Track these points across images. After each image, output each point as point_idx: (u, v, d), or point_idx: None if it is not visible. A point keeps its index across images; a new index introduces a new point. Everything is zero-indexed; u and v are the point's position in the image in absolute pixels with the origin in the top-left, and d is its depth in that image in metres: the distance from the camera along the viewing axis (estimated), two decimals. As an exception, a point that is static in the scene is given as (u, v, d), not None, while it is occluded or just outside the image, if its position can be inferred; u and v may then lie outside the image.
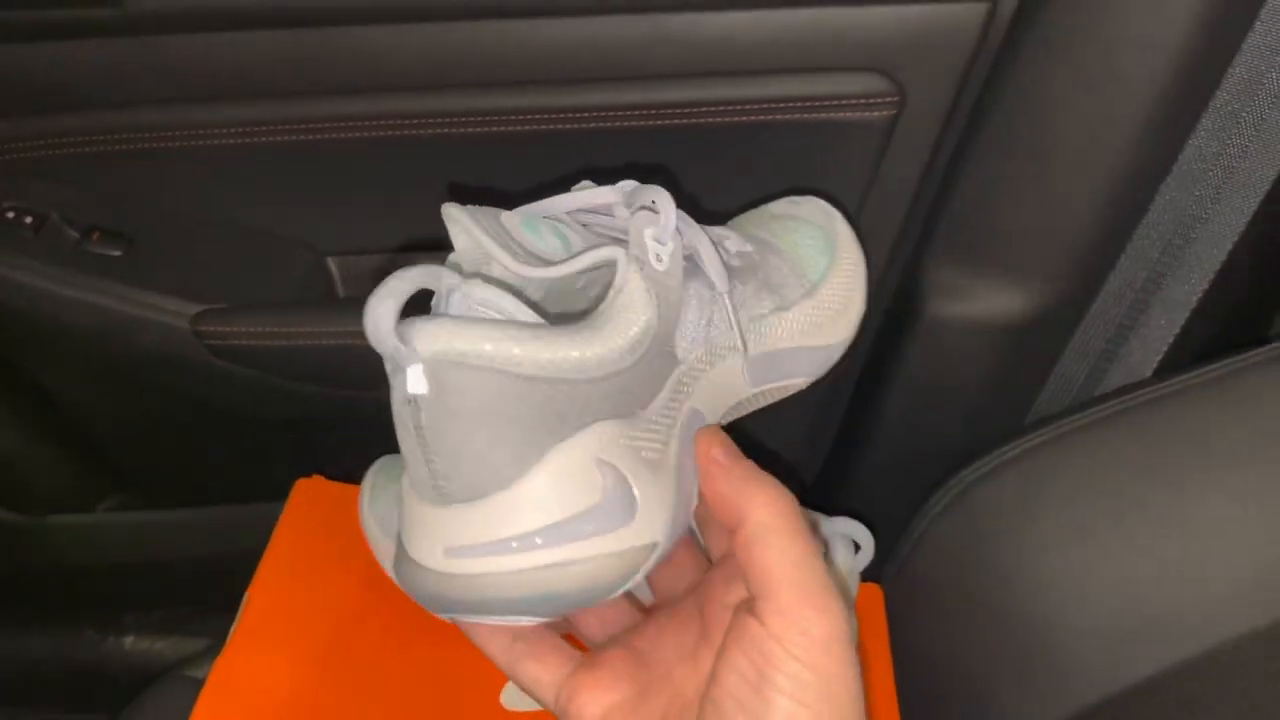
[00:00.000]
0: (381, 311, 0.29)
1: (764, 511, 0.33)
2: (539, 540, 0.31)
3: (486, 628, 0.36)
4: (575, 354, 0.31)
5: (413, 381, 0.30)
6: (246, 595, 0.55)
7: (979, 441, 0.62)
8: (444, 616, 0.33)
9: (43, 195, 0.70)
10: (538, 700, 0.37)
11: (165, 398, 0.76)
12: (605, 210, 0.38)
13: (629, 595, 0.39)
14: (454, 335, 0.29)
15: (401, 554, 0.33)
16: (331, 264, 0.74)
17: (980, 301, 0.65)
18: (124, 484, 0.85)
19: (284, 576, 0.56)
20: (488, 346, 0.29)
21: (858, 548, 0.54)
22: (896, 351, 0.69)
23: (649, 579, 0.40)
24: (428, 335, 0.29)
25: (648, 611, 0.40)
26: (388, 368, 0.31)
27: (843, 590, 0.34)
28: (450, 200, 0.38)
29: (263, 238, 0.73)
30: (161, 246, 0.70)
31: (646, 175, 0.67)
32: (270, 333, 0.68)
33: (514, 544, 0.31)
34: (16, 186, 0.70)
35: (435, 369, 0.29)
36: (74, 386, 0.78)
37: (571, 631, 0.40)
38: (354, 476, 0.60)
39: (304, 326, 0.68)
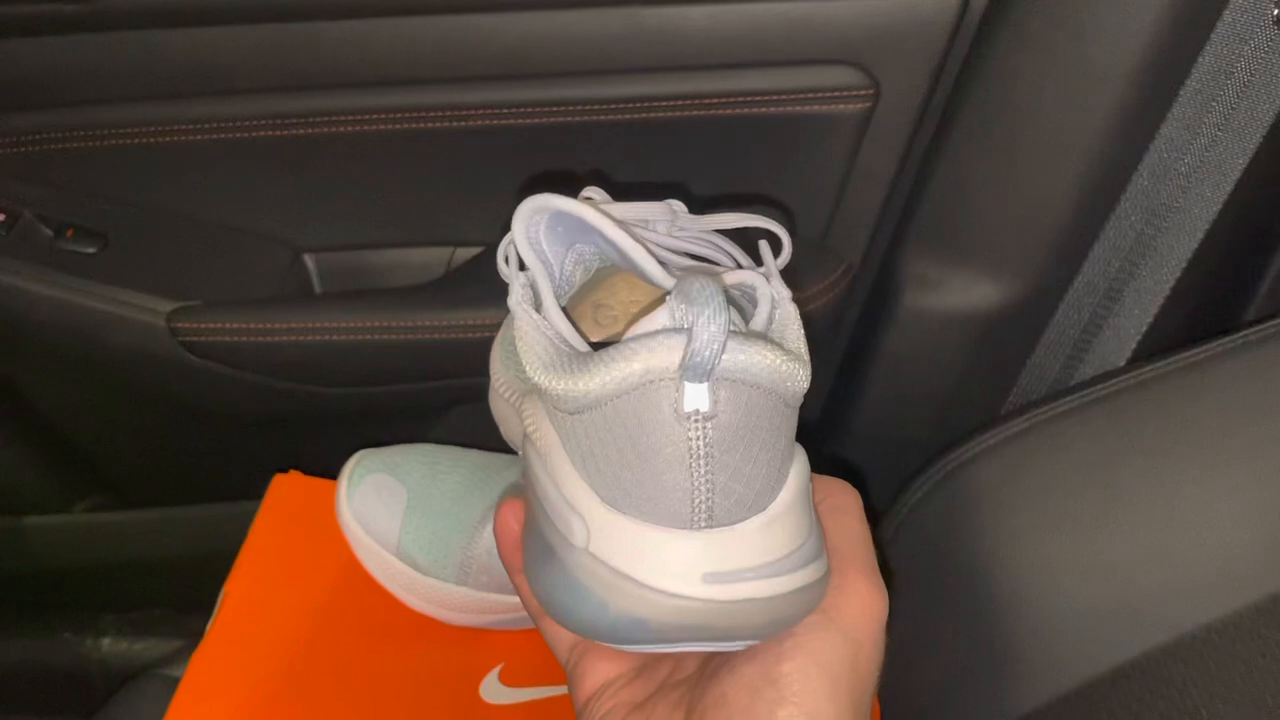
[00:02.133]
0: (720, 326, 0.28)
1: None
2: (790, 564, 0.30)
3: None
4: (805, 379, 0.30)
5: (699, 398, 0.28)
6: (223, 591, 0.54)
7: (957, 431, 0.62)
8: (649, 648, 0.31)
9: (16, 193, 0.69)
10: (555, 653, 0.37)
11: (141, 396, 0.75)
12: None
13: None
14: (760, 354, 0.28)
15: (610, 581, 0.30)
16: (308, 260, 0.74)
17: (956, 293, 0.65)
18: (100, 484, 0.84)
19: (261, 572, 0.55)
20: (784, 368, 0.28)
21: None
22: (875, 342, 0.70)
23: None
24: (744, 353, 0.28)
25: None
26: (647, 376, 0.28)
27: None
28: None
29: (238, 235, 0.73)
30: (136, 244, 0.70)
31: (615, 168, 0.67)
32: (246, 329, 0.67)
33: (774, 568, 0.30)
34: (-9, 185, 0.69)
35: (735, 389, 0.28)
36: (49, 385, 0.77)
37: None
38: (331, 472, 0.60)
39: (280, 322, 0.68)
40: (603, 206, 0.37)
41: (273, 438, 0.76)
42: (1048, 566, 0.56)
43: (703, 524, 0.29)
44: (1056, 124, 0.58)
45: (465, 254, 0.73)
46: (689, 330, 0.27)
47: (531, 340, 0.32)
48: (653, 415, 0.28)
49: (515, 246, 0.35)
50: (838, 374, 0.76)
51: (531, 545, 0.32)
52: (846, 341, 0.74)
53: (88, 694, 0.92)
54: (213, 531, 0.84)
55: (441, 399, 0.73)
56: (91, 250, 0.69)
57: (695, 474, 0.28)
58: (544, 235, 0.37)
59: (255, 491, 0.63)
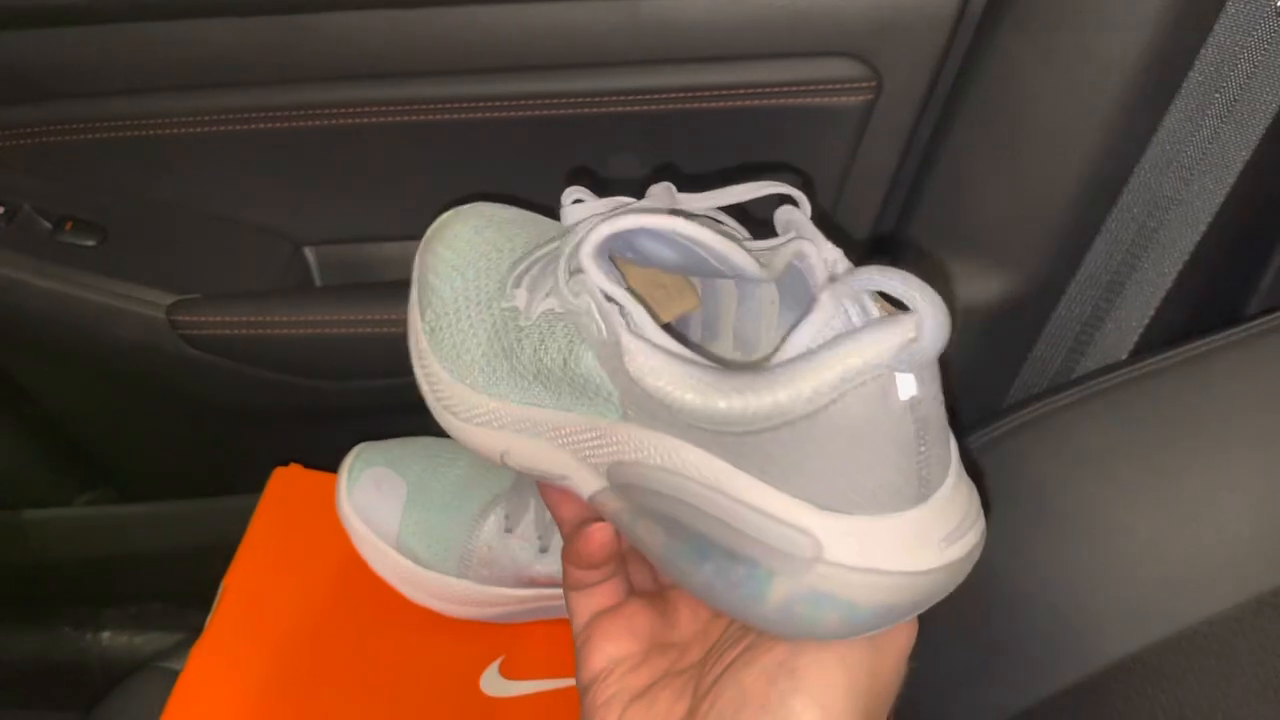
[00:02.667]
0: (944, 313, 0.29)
1: None
2: (979, 505, 0.33)
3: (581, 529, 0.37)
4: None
5: (910, 385, 0.29)
6: (223, 584, 0.54)
7: (955, 426, 0.62)
8: (874, 630, 0.32)
9: (15, 186, 0.69)
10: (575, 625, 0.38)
11: (141, 389, 0.75)
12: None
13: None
14: (946, 328, 0.29)
15: (858, 581, 0.30)
16: (308, 254, 0.74)
17: (958, 286, 0.65)
18: (101, 478, 0.84)
19: (261, 566, 0.55)
20: (948, 334, 0.29)
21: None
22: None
23: None
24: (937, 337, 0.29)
25: None
26: (849, 377, 0.29)
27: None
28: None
29: (238, 228, 0.72)
30: (136, 236, 0.70)
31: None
32: (247, 322, 0.67)
33: (976, 512, 0.32)
34: (-11, 177, 0.69)
35: (931, 365, 0.29)
36: (48, 378, 0.77)
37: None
38: (332, 466, 0.60)
39: (281, 315, 0.67)
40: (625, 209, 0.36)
41: (273, 431, 0.76)
42: (1047, 560, 0.56)
43: (924, 496, 0.30)
44: (1059, 116, 0.57)
45: (465, 247, 0.73)
46: (918, 322, 0.28)
47: (670, 369, 0.31)
48: (879, 410, 0.29)
49: (591, 275, 0.33)
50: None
51: (713, 576, 0.32)
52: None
53: (88, 688, 0.91)
54: (213, 525, 0.84)
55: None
56: (91, 243, 0.69)
57: (918, 454, 0.30)
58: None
59: (256, 485, 0.63)
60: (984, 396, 0.69)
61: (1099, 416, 0.56)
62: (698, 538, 0.32)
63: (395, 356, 0.70)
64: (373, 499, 0.54)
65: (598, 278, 0.33)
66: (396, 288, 0.71)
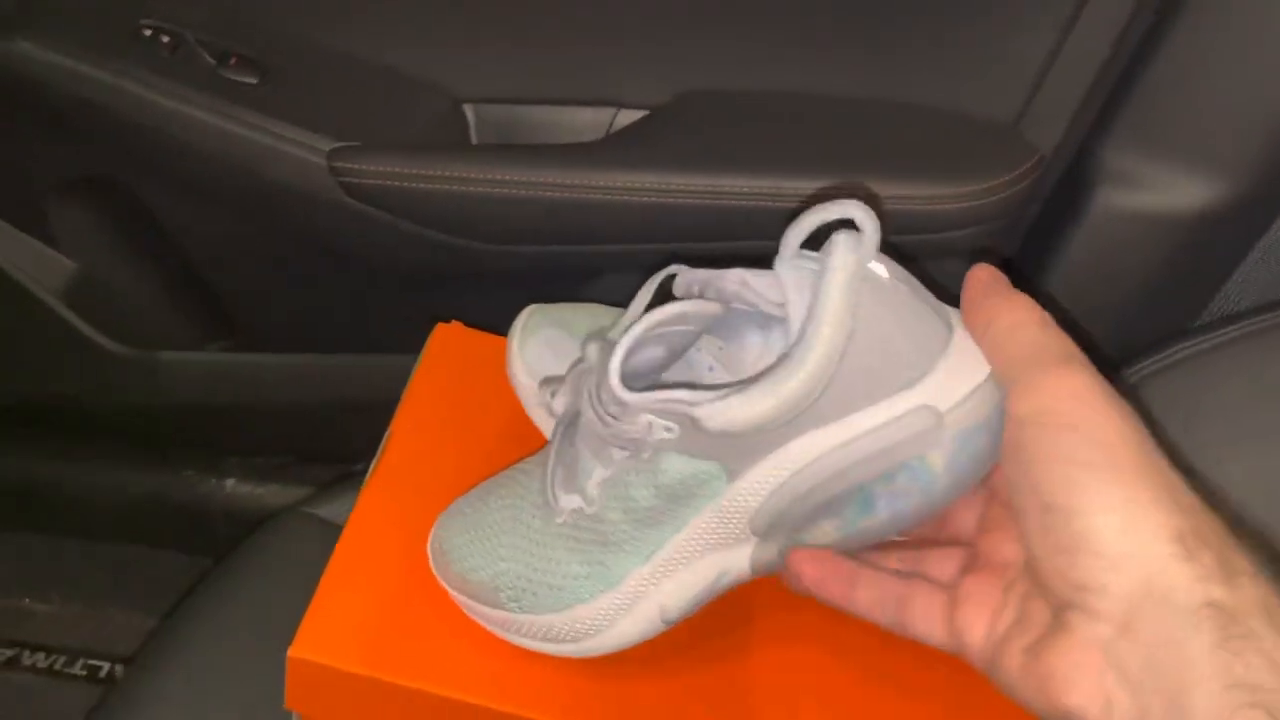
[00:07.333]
0: None
1: (1009, 315, 0.35)
2: None
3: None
4: None
5: (881, 268, 0.35)
6: (389, 432, 0.54)
7: (1131, 348, 0.59)
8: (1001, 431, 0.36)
9: (180, 16, 0.68)
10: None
11: (292, 237, 0.74)
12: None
13: None
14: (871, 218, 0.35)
15: (967, 408, 0.36)
16: (467, 111, 0.71)
17: (1161, 192, 0.61)
18: (237, 325, 0.84)
19: (424, 418, 0.54)
20: None
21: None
22: (1056, 243, 0.66)
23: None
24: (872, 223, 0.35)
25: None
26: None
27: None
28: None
29: (398, 78, 0.70)
30: (297, 79, 0.68)
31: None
32: (408, 174, 0.65)
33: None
34: (155, 5, 0.67)
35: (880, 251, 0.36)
36: (196, 219, 0.76)
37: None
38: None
39: (440, 170, 0.66)
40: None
41: (422, 294, 0.75)
42: (1230, 485, 0.53)
43: (950, 326, 0.37)
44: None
45: (628, 116, 0.70)
46: (855, 226, 0.35)
47: (745, 401, 0.35)
48: (884, 296, 0.36)
49: (636, 401, 0.36)
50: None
51: (891, 506, 0.37)
52: (1020, 241, 0.69)
53: (209, 533, 0.93)
54: (343, 383, 0.84)
55: (598, 264, 0.71)
56: (253, 81, 0.67)
57: (928, 303, 0.37)
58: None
59: (393, 346, 0.62)
60: (1176, 313, 0.65)
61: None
62: (852, 495, 0.37)
63: (550, 222, 0.69)
64: (546, 361, 0.52)
65: (642, 399, 0.36)
66: (557, 150, 0.68)
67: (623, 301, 0.56)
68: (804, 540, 0.39)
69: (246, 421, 0.89)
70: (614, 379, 0.37)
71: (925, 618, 0.37)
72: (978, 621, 0.35)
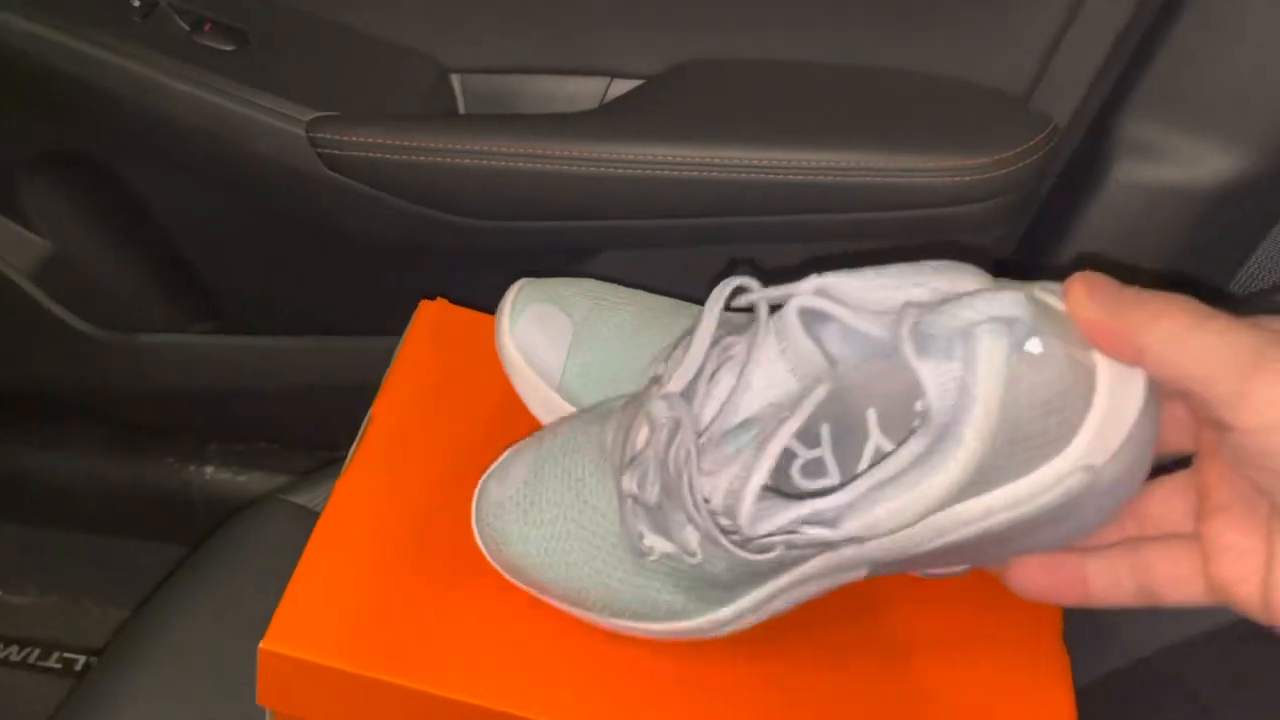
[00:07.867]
0: None
1: (1161, 326, 0.31)
2: None
3: None
4: None
5: (1035, 345, 0.32)
6: (370, 414, 0.51)
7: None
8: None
9: (150, -21, 0.65)
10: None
11: (270, 211, 0.71)
12: None
13: None
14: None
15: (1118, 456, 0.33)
16: (454, 81, 0.68)
17: (1181, 165, 0.58)
18: (218, 309, 0.81)
19: (408, 399, 0.52)
20: None
21: None
22: (1070, 218, 0.63)
23: None
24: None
25: None
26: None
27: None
28: None
29: (382, 47, 0.67)
30: (276, 47, 0.66)
31: None
32: (390, 145, 0.62)
33: None
34: (124, -33, 0.65)
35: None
36: (171, 193, 0.73)
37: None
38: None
39: (425, 141, 0.63)
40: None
41: (407, 271, 0.72)
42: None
43: (1093, 386, 0.34)
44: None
45: (622, 86, 0.67)
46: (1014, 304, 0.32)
47: (888, 496, 0.33)
48: (1038, 368, 0.33)
49: (781, 517, 0.34)
50: (1016, 251, 0.69)
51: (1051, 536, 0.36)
52: (1033, 216, 0.67)
53: (188, 520, 0.91)
54: (327, 366, 0.81)
55: (590, 240, 0.68)
56: (230, 48, 0.64)
57: (1077, 365, 0.33)
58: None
59: (380, 328, 0.59)
60: (1195, 291, 0.62)
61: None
62: (994, 547, 0.36)
63: (541, 196, 0.66)
64: (537, 337, 0.50)
65: (782, 517, 0.34)
66: (547, 120, 0.65)
67: (616, 278, 0.53)
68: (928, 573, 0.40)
69: (228, 406, 0.86)
70: (747, 504, 0.34)
71: (1174, 582, 0.34)
72: (1248, 572, 0.32)
